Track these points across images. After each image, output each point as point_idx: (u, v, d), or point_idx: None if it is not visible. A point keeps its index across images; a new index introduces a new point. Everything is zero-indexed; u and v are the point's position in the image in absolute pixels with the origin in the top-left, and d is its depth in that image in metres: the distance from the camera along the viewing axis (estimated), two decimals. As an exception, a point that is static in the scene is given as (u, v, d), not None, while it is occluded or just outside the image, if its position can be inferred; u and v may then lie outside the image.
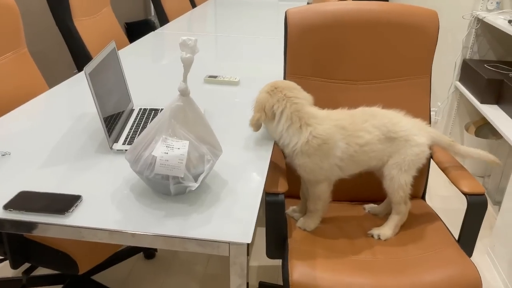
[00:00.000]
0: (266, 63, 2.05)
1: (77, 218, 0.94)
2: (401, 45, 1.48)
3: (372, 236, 1.37)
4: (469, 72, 2.42)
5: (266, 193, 1.25)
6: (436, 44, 1.46)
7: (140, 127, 1.34)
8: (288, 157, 1.30)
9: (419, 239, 1.35)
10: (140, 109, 1.47)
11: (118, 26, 2.48)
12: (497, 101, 2.22)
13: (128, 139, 1.26)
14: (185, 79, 0.98)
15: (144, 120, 1.39)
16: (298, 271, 1.22)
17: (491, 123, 2.09)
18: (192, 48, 0.94)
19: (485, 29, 2.42)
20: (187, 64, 0.96)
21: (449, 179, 1.39)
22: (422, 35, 1.46)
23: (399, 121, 1.32)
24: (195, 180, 0.96)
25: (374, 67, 1.49)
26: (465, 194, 1.31)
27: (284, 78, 1.50)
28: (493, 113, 2.15)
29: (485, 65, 2.36)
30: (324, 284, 1.18)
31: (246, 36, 2.53)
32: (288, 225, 1.41)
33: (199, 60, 2.05)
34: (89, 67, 1.14)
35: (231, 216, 0.96)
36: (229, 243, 0.89)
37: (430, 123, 1.53)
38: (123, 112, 1.38)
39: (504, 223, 1.86)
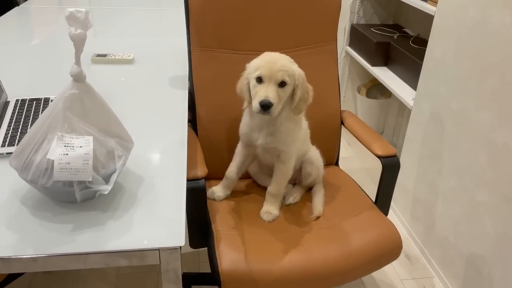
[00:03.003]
0: (163, 36, 1.87)
1: (-47, 250, 0.73)
2: (307, 12, 1.43)
3: (289, 204, 1.36)
4: (358, 37, 2.52)
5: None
6: (340, 10, 1.44)
7: (21, 122, 1.11)
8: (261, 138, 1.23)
9: (340, 206, 1.37)
10: (17, 100, 1.22)
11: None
12: (386, 63, 2.35)
13: (8, 139, 1.03)
14: (78, 61, 0.80)
15: (24, 113, 1.15)
16: (227, 258, 1.14)
17: (383, 83, 2.21)
18: (83, 22, 0.76)
19: (368, -6, 2.52)
20: (78, 42, 0.78)
21: (362, 143, 1.42)
22: (326, 1, 1.43)
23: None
24: (106, 181, 0.81)
25: (281, 36, 1.43)
26: (379, 157, 1.34)
27: (189, 52, 1.37)
28: (383, 74, 2.27)
29: (372, 29, 2.47)
30: (256, 268, 1.13)
31: (131, 8, 2.29)
32: (209, 209, 1.31)
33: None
34: None
35: (155, 217, 0.83)
36: (159, 249, 0.77)
37: (339, 89, 1.53)
38: (-5, 106, 1.13)
39: (404, 177, 1.99)
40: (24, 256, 0.73)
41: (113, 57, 1.55)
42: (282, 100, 1.13)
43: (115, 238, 0.77)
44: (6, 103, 1.20)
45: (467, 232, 1.55)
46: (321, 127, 1.39)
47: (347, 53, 2.69)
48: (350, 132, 1.48)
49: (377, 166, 1.35)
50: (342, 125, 1.55)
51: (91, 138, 0.79)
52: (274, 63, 1.11)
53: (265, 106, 1.08)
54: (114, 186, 0.89)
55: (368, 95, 2.76)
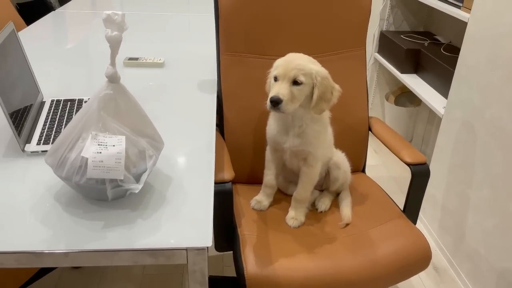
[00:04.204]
0: (192, 41, 1.90)
1: (-10, 242, 0.75)
2: (336, 18, 1.43)
3: (321, 211, 1.35)
4: (387, 44, 2.49)
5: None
6: (370, 15, 1.43)
7: (56, 122, 1.14)
8: (289, 141, 1.22)
9: (367, 214, 1.34)
10: (53, 100, 1.25)
11: (11, 6, 2.14)
12: (416, 70, 2.31)
13: (43, 138, 1.06)
14: (113, 63, 0.82)
15: (59, 113, 1.19)
16: (253, 262, 1.14)
17: (413, 91, 2.17)
18: (119, 24, 0.78)
19: (399, 1, 2.49)
20: (114, 44, 0.80)
21: (391, 150, 1.40)
22: (356, 6, 1.42)
23: None
24: (137, 180, 0.82)
25: (310, 41, 1.43)
26: (408, 164, 1.31)
27: (218, 57, 1.38)
28: (413, 82, 2.23)
29: (402, 36, 2.44)
30: (281, 273, 1.12)
31: (162, 13, 2.34)
32: (235, 213, 1.31)
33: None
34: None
35: (183, 217, 0.83)
36: (186, 249, 0.77)
37: (367, 95, 1.52)
38: (31, 106, 1.16)
39: (433, 187, 1.94)
40: (57, 251, 0.75)
41: (144, 60, 1.59)
42: (297, 99, 1.13)
43: (144, 236, 0.78)
44: (42, 103, 1.24)
45: (499, 245, 1.50)
46: (348, 133, 1.37)
47: (376, 60, 2.66)
48: (378, 138, 1.46)
49: (404, 175, 1.32)
50: (369, 132, 1.54)
51: (123, 137, 0.81)
52: (290, 62, 1.12)
53: (274, 102, 1.09)
54: (144, 186, 0.91)
55: (397, 102, 2.72)
